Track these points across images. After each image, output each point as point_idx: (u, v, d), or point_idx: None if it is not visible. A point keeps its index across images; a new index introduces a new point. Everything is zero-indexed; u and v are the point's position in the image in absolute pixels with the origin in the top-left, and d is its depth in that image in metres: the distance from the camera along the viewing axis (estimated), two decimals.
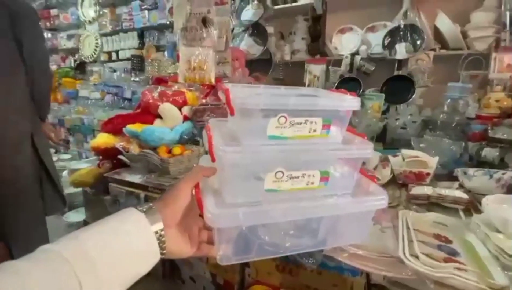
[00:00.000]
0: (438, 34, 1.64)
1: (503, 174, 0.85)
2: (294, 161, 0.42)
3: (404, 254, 0.57)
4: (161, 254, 0.37)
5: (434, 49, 1.63)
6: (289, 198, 0.42)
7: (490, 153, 1.04)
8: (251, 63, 1.99)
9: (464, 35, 1.58)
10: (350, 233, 0.51)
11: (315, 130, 0.42)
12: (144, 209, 0.37)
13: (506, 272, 0.53)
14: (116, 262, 0.32)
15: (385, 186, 0.97)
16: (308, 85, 1.87)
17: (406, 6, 1.61)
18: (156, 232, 0.36)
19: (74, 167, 1.62)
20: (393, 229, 0.71)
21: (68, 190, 1.61)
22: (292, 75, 2.03)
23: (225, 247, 0.42)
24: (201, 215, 0.41)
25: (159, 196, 0.41)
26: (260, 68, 2.05)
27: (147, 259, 0.35)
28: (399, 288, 0.59)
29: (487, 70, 1.47)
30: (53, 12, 3.63)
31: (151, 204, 0.38)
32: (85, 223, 1.36)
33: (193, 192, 0.41)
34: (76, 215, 1.48)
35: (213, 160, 0.42)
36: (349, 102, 0.43)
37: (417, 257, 0.57)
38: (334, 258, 0.62)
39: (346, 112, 0.45)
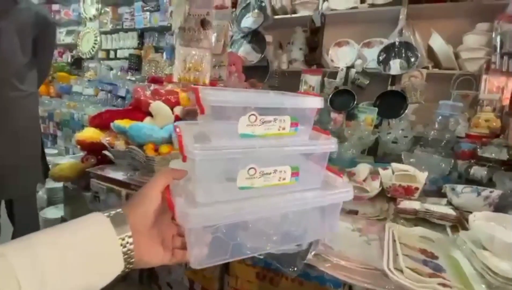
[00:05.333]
0: (431, 53, 1.68)
1: (491, 192, 0.85)
2: (265, 158, 0.43)
3: (389, 267, 0.56)
4: (129, 263, 0.33)
5: (427, 67, 1.66)
6: (262, 195, 0.42)
7: (478, 171, 1.05)
8: (248, 70, 1.99)
9: (457, 55, 1.62)
10: (322, 227, 0.53)
11: (284, 128, 0.44)
12: (111, 214, 0.34)
13: None
14: (69, 269, 0.29)
15: (373, 198, 0.95)
16: None
17: (401, 25, 1.65)
18: (123, 239, 0.33)
19: (58, 162, 1.57)
20: (379, 242, 0.70)
21: (48, 185, 1.55)
22: (288, 84, 2.04)
23: (198, 249, 0.40)
24: (174, 219, 0.39)
25: (127, 201, 0.38)
26: (256, 75, 2.05)
27: (108, 270, 0.32)
28: None
29: (478, 91, 1.50)
30: (55, 7, 3.62)
31: (119, 209, 0.35)
32: (63, 219, 1.30)
33: (164, 194, 0.39)
34: (55, 211, 1.41)
35: (184, 160, 0.41)
36: (313, 101, 0.47)
37: (401, 271, 0.55)
38: (316, 267, 0.60)
39: (311, 111, 0.48)
